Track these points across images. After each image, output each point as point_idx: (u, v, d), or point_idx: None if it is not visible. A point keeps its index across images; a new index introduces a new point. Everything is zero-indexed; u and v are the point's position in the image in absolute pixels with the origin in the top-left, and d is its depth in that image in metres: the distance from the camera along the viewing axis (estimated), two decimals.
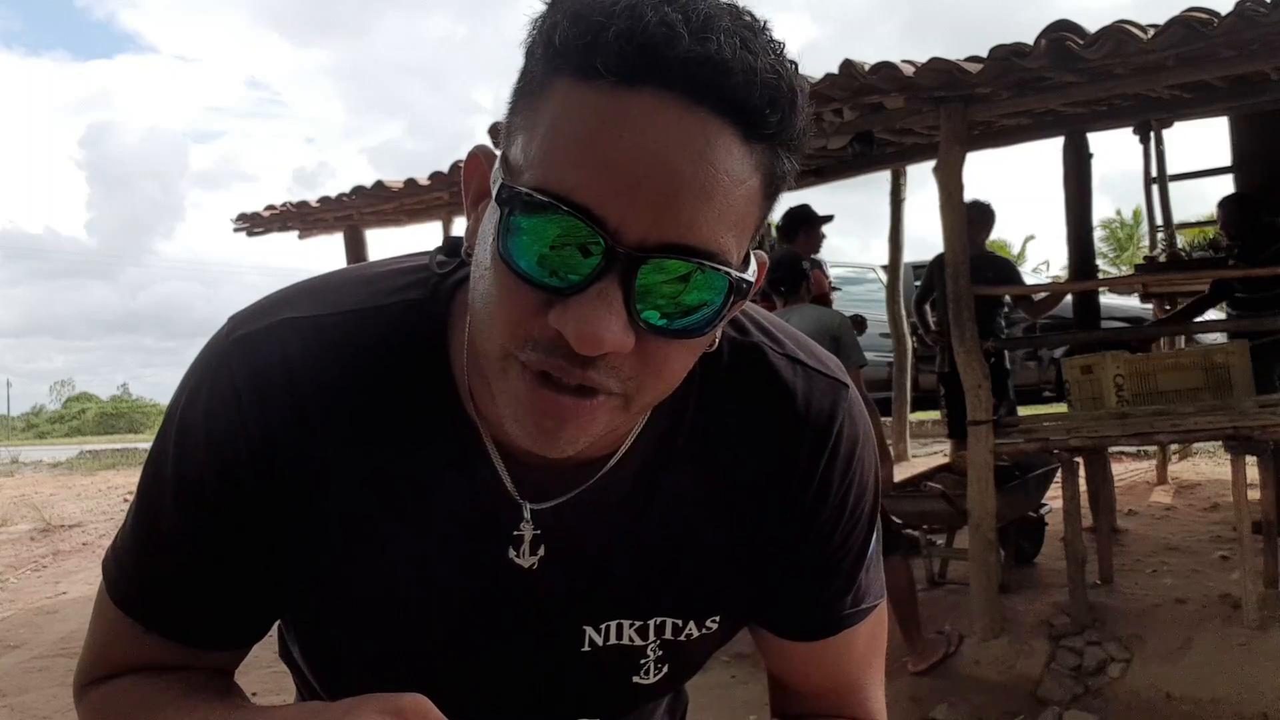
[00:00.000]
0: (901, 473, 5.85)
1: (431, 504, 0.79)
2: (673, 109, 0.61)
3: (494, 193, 0.66)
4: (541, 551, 0.81)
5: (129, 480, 12.91)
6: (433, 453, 0.79)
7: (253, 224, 8.08)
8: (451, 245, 0.82)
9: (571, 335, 0.62)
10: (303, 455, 0.76)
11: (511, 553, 0.80)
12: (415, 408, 0.78)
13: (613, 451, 0.79)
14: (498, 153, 0.70)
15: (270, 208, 7.83)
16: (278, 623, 0.93)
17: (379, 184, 6.94)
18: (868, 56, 4.35)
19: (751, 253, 0.69)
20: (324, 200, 7.45)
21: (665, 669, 0.89)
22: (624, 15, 0.60)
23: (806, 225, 6.11)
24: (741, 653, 4.58)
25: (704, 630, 0.88)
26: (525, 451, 0.72)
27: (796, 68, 0.66)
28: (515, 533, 0.80)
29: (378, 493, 0.79)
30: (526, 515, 0.80)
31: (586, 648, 0.85)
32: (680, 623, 0.87)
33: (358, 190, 7.09)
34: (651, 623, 0.86)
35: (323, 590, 0.82)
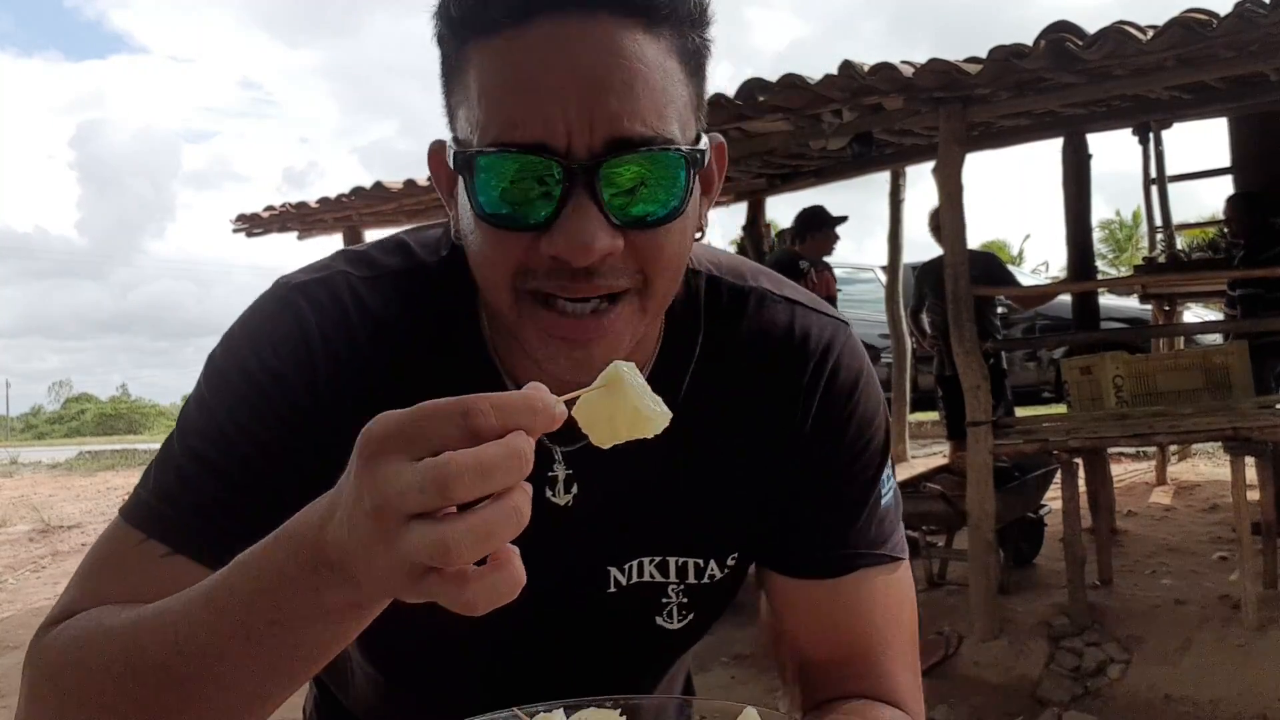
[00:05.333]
0: (901, 474, 5.83)
1: None
2: (572, 25, 0.67)
3: (451, 164, 0.72)
4: (575, 490, 0.86)
5: (128, 481, 12.91)
6: None
7: (252, 225, 8.09)
8: None
9: (565, 252, 0.68)
10: (353, 393, 0.79)
11: (548, 492, 0.85)
12: (450, 360, 0.84)
13: None
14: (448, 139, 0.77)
15: (269, 208, 7.83)
16: None
17: (378, 185, 6.94)
18: (855, 55, 4.38)
19: (703, 132, 0.75)
20: (323, 201, 7.45)
21: (690, 616, 0.93)
22: None
23: (817, 227, 6.07)
24: (741, 653, 4.58)
25: (725, 569, 0.92)
26: None
27: None
28: (550, 474, 0.85)
29: None
30: (558, 457, 0.85)
31: (612, 588, 0.90)
32: (701, 563, 0.90)
33: (357, 191, 7.09)
34: (672, 561, 0.90)
35: None
